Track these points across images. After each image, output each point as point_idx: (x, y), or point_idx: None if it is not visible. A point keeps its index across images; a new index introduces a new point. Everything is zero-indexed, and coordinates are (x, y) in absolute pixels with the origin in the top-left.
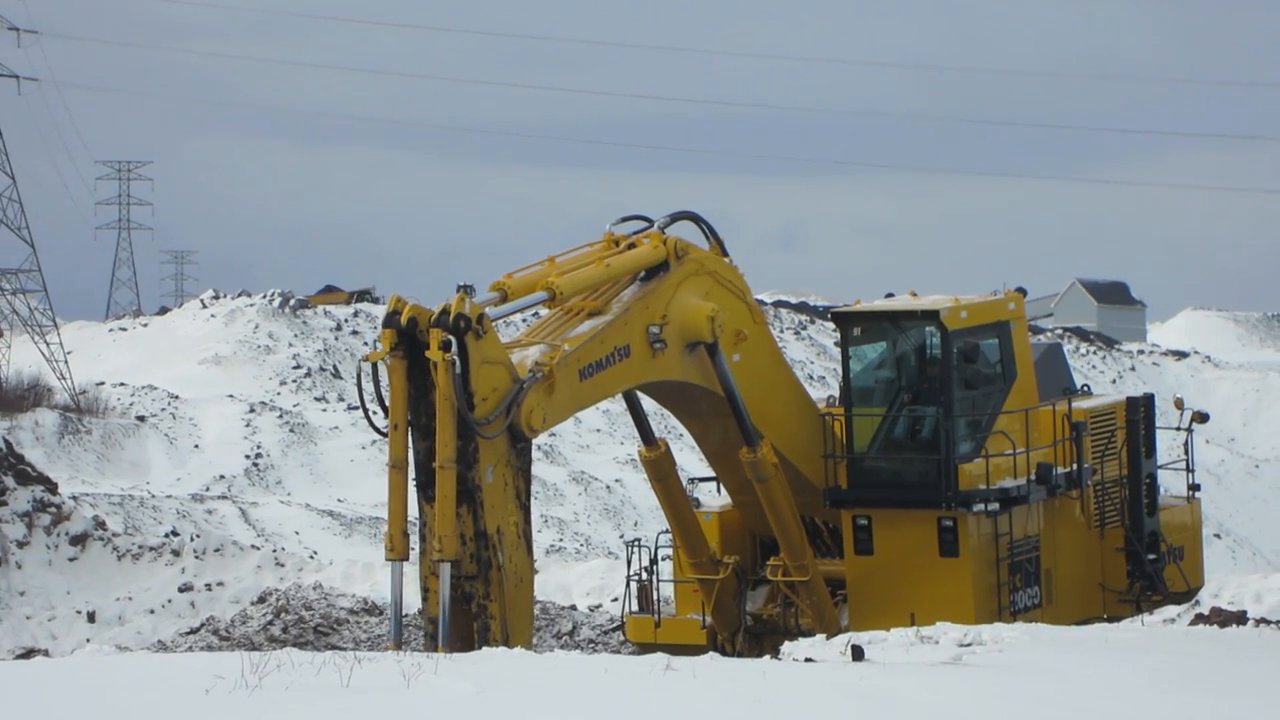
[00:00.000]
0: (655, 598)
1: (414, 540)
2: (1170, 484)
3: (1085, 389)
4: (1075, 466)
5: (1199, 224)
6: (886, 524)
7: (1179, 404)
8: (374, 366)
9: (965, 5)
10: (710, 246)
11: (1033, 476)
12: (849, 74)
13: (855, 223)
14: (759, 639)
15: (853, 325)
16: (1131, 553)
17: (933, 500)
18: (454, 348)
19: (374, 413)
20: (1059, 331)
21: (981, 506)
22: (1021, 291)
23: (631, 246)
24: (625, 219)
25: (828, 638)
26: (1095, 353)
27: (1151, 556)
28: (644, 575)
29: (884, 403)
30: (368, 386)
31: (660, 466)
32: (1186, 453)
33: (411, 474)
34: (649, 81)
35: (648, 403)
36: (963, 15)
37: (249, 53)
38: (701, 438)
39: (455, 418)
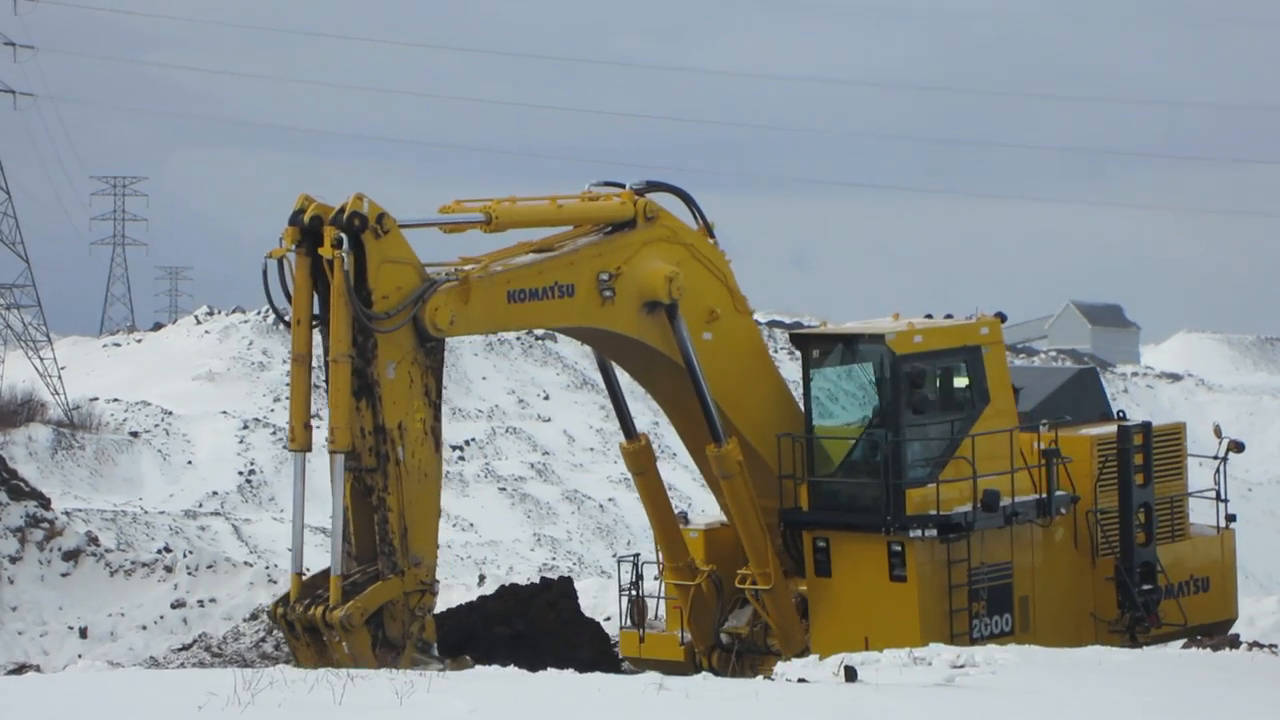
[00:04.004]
0: (640, 612)
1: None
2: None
3: (1120, 415)
4: (1046, 494)
5: (1194, 246)
6: (843, 547)
7: (1218, 432)
8: (279, 263)
9: (967, 28)
10: (699, 228)
11: (977, 504)
12: (851, 95)
13: (856, 243)
14: (739, 657)
15: (811, 347)
16: (1121, 583)
17: (875, 524)
18: (345, 244)
19: (284, 311)
20: (1052, 353)
21: (919, 532)
22: (1000, 317)
23: None
24: (607, 182)
25: (789, 656)
26: None
27: (1147, 587)
28: (634, 590)
29: (842, 426)
30: (274, 283)
31: (640, 460)
32: (1218, 482)
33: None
34: (656, 101)
35: (639, 407)
36: (963, 37)
37: (244, 69)
38: (684, 431)
39: (349, 312)
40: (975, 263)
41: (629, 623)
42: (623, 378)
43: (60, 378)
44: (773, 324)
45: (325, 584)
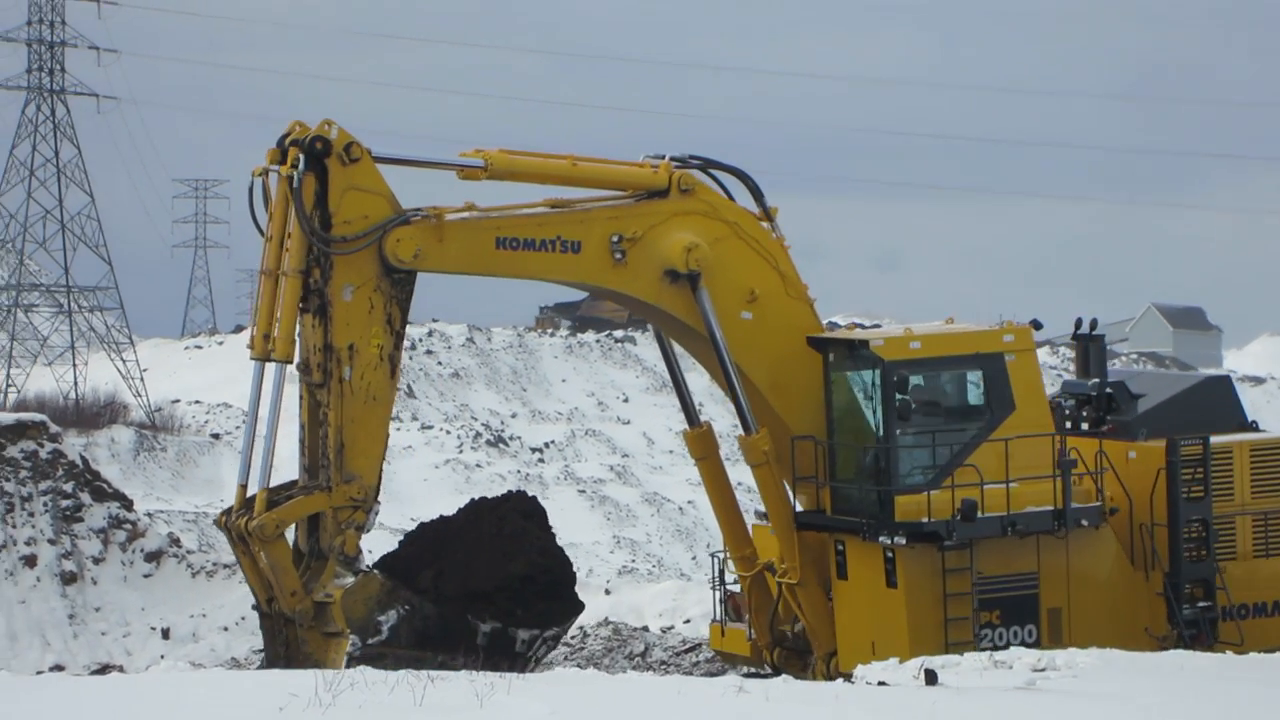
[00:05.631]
0: (736, 607)
1: None
2: None
3: (1254, 425)
4: (1065, 504)
5: (1277, 249)
6: (855, 551)
7: None
8: (264, 181)
9: (1046, 29)
10: (759, 212)
11: (957, 513)
12: (934, 97)
13: (940, 246)
14: (800, 655)
15: (828, 351)
16: (1168, 598)
17: (856, 529)
18: (302, 164)
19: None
20: (1134, 356)
21: (888, 539)
22: (1035, 325)
23: None
24: (658, 156)
25: (820, 656)
26: None
27: (1204, 604)
28: (721, 585)
29: (853, 430)
30: (258, 202)
31: (702, 445)
32: None
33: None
34: (734, 103)
35: (719, 410)
36: (1044, 39)
37: (325, 72)
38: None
39: (302, 231)
40: (1057, 265)
41: (720, 616)
42: (701, 379)
43: (142, 380)
44: (854, 326)
45: (283, 496)
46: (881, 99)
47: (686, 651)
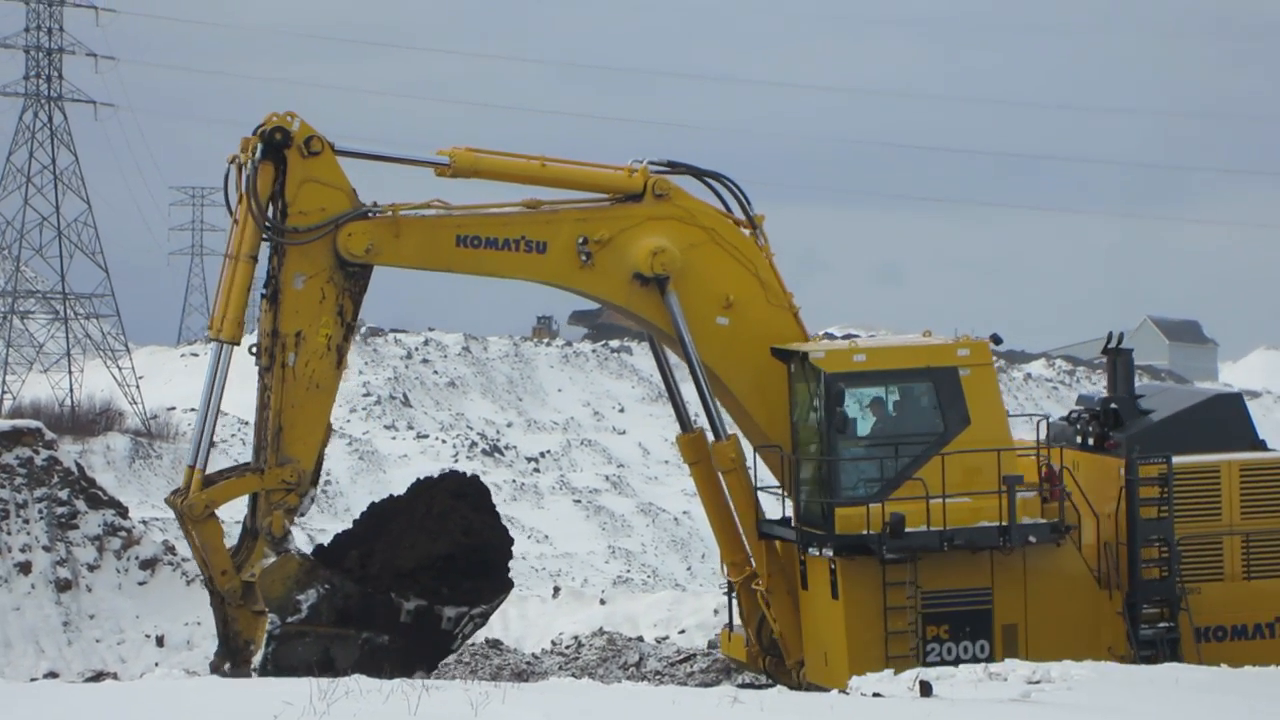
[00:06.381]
0: (731, 612)
1: None
2: None
3: (1263, 444)
4: (1009, 521)
5: (1273, 262)
6: (812, 562)
7: None
8: (239, 167)
9: (1045, 43)
10: (744, 220)
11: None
12: (933, 110)
13: (936, 258)
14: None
15: (790, 362)
16: (1125, 617)
17: (788, 538)
18: (259, 153)
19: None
20: None
21: (817, 551)
22: (995, 339)
23: None
24: (640, 161)
25: (791, 663)
26: None
27: (1165, 625)
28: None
29: (810, 441)
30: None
31: (695, 449)
32: None
33: None
34: (736, 114)
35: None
36: (1043, 54)
37: (322, 80)
38: (741, 425)
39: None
40: (1053, 277)
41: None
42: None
43: (138, 387)
44: (849, 337)
45: (222, 477)
46: (881, 111)
47: (681, 662)
